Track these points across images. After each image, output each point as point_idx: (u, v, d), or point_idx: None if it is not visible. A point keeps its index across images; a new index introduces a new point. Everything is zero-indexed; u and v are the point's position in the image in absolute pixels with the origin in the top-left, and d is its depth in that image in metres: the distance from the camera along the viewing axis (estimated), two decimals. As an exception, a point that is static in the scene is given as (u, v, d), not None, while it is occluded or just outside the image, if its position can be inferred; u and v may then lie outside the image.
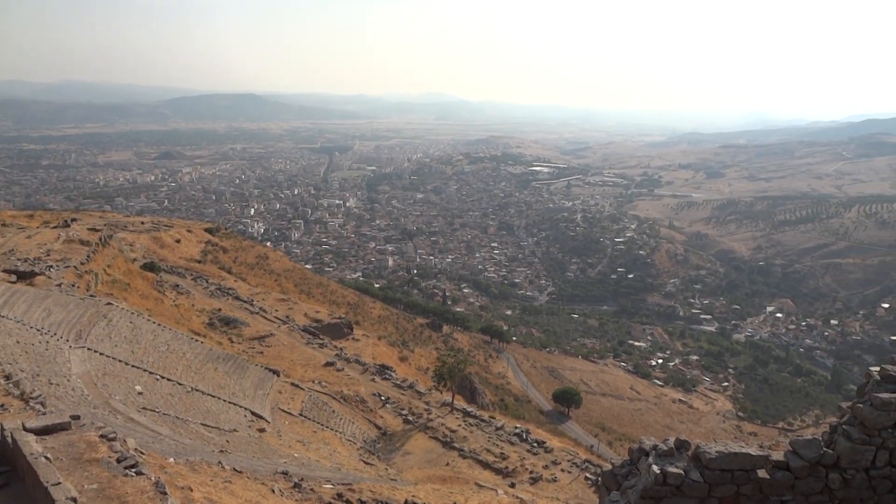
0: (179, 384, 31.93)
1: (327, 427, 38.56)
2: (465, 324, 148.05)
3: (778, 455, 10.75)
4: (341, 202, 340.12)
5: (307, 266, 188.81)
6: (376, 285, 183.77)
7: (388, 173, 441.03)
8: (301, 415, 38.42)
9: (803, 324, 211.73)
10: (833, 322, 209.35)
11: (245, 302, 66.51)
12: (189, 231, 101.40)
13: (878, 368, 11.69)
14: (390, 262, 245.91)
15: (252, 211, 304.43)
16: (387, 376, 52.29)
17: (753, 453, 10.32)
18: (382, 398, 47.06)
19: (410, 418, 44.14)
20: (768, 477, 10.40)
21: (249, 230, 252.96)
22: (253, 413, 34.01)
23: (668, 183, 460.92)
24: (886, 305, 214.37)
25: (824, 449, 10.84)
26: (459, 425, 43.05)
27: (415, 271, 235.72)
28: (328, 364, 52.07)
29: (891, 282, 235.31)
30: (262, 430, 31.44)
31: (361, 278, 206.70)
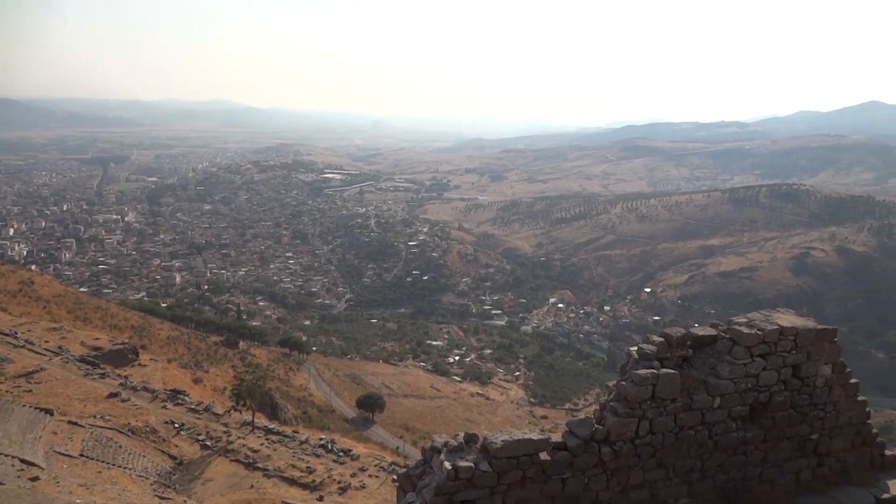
0: (-74, 437, 27.71)
1: (114, 465, 35.44)
2: (263, 338, 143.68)
3: (557, 437, 11.71)
4: (119, 217, 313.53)
5: (82, 289, 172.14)
6: (163, 305, 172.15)
7: (172, 184, 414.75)
8: (82, 455, 34.94)
9: (581, 311, 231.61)
10: (606, 308, 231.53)
11: (7, 335, 58.99)
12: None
13: (636, 348, 13.14)
14: (178, 279, 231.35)
15: (11, 231, 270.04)
16: (180, 401, 49.17)
17: (535, 438, 11.16)
18: (176, 425, 44.17)
19: (209, 443, 41.87)
20: (549, 458, 11.29)
21: (9, 253, 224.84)
22: (22, 461, 30.33)
23: (456, 187, 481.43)
24: (648, 290, 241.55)
25: (596, 426, 11.95)
26: (262, 444, 41.64)
27: (206, 287, 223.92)
28: (112, 395, 47.82)
29: (651, 269, 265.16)
30: (34, 479, 28.12)
31: (146, 298, 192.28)
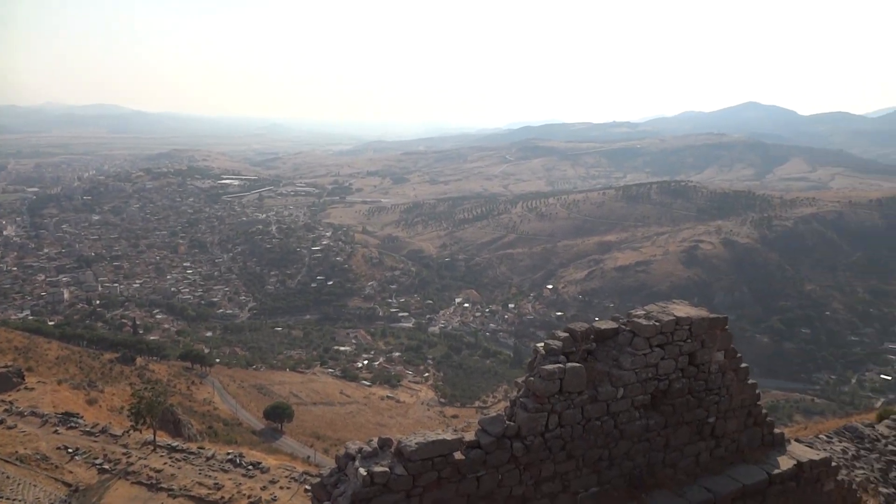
0: None
1: (1, 496, 33.21)
2: (162, 352, 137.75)
3: (470, 436, 11.86)
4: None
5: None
6: (51, 323, 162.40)
7: (56, 194, 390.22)
8: (-36, 487, 32.54)
9: (487, 310, 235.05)
10: (511, 306, 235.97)
11: None
12: None
13: (542, 344, 13.44)
14: (66, 295, 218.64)
15: None
16: (73, 424, 46.43)
17: (449, 438, 11.23)
18: (70, 450, 41.68)
19: (107, 466, 39.74)
20: (464, 458, 11.40)
21: None
22: None
23: (358, 190, 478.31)
24: (550, 286, 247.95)
25: (507, 422, 12.14)
26: (165, 463, 39.92)
27: (97, 302, 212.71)
28: (-5, 422, 44.74)
29: (552, 266, 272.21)
30: None
31: (31, 317, 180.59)
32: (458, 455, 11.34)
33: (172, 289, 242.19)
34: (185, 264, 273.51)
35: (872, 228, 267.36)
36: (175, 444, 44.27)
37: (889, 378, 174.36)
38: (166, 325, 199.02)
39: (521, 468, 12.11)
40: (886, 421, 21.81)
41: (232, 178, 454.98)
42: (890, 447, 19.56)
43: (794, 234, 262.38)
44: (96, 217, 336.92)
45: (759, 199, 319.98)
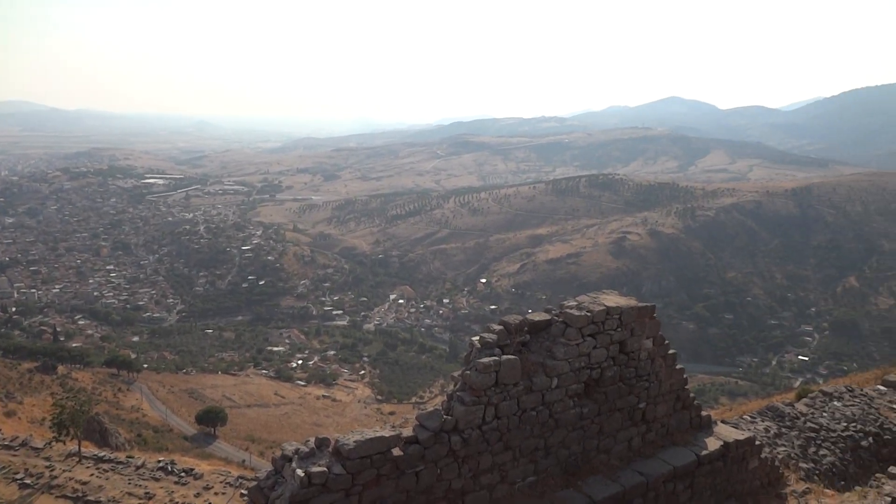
0: None
1: (-88, 516, 31.33)
2: (86, 359, 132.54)
3: (408, 431, 11.84)
4: None
5: None
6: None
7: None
8: None
9: (422, 306, 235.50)
10: (445, 301, 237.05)
11: None
12: None
13: (478, 338, 13.52)
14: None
15: None
16: (-10, 438, 44.29)
17: (386, 435, 11.18)
18: (-13, 465, 39.73)
19: (28, 481, 37.94)
20: (402, 453, 11.38)
21: None
22: None
23: (288, 187, 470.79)
24: (484, 280, 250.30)
25: (445, 417, 12.16)
26: (92, 475, 38.39)
27: (13, 309, 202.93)
28: None
29: (485, 260, 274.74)
30: None
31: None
32: (396, 451, 11.31)
33: (95, 293, 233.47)
34: (108, 267, 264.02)
35: (788, 217, 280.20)
36: (102, 454, 42.65)
37: (806, 359, 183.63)
38: (89, 331, 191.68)
39: (459, 461, 12.16)
40: (805, 399, 22.89)
41: (156, 178, 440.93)
42: (808, 424, 20.54)
43: (716, 223, 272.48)
44: (10, 220, 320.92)
45: (682, 190, 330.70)
